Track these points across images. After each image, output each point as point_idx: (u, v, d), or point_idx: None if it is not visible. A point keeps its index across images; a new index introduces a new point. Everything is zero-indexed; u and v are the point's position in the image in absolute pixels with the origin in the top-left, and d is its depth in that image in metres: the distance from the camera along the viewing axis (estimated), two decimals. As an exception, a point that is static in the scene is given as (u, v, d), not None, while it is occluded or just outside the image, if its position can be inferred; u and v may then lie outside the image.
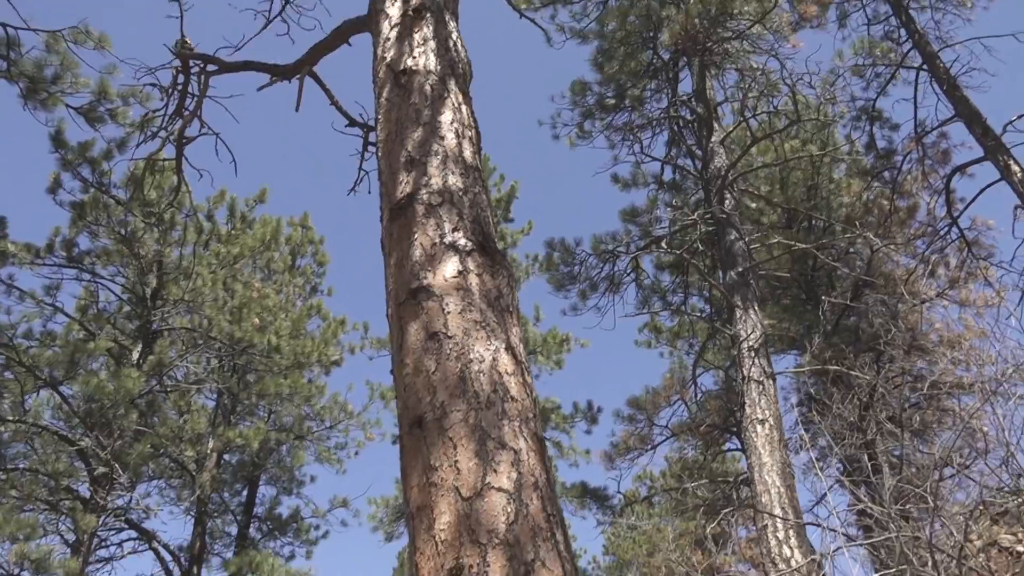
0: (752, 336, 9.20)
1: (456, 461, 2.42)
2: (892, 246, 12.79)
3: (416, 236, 3.06)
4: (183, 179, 6.31)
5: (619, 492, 14.64)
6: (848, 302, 11.65)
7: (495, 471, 2.39)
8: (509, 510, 2.31)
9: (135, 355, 13.60)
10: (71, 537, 11.70)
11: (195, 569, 15.62)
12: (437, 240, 3.02)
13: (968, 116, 10.30)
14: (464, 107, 3.70)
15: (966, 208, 11.51)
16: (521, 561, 2.22)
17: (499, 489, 2.35)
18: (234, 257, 15.59)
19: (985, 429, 6.75)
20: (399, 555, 39.02)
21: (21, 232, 22.61)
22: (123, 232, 13.59)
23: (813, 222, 14.16)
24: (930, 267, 12.45)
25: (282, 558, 16.82)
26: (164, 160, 6.82)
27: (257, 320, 15.16)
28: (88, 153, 12.57)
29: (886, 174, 13.50)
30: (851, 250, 14.11)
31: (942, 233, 12.01)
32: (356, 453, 19.25)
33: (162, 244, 14.20)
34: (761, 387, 8.59)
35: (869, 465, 5.98)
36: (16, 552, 9.33)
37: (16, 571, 9.55)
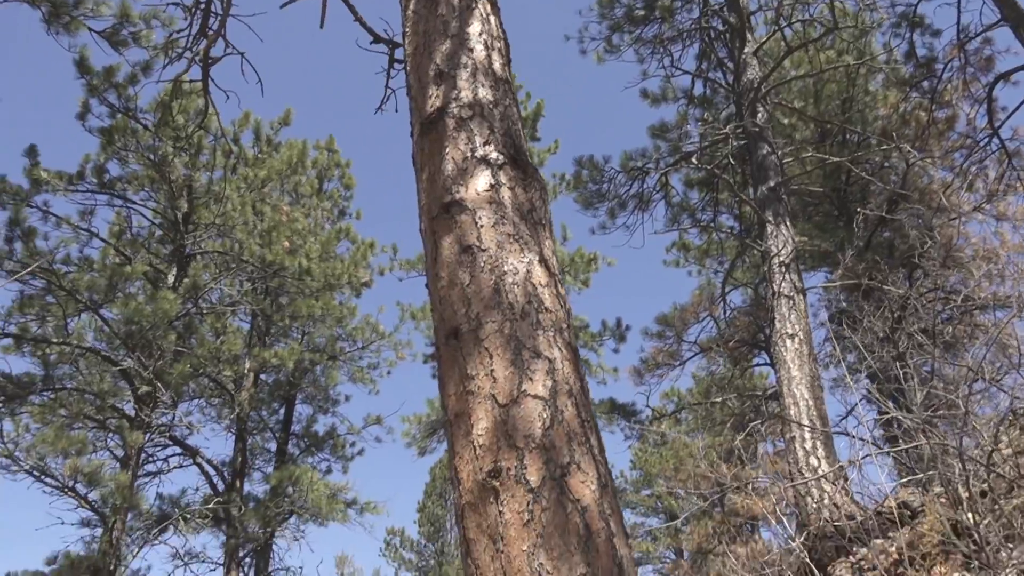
0: (783, 251, 9.13)
1: (492, 370, 2.48)
2: (929, 159, 12.46)
3: (447, 150, 3.06)
4: (210, 100, 6.29)
5: (647, 407, 14.87)
6: (883, 214, 11.44)
7: (530, 379, 2.45)
8: (544, 416, 2.37)
9: (170, 278, 13.87)
10: (119, 453, 12.23)
11: (237, 483, 16.28)
12: (468, 154, 3.01)
13: (1015, 20, 9.83)
14: (492, 18, 3.62)
15: (1008, 117, 11.11)
16: (557, 464, 2.30)
17: (535, 396, 2.41)
18: (262, 181, 15.65)
19: (1016, 343, 6.71)
20: (431, 470, 40.18)
21: (54, 160, 22.81)
22: (152, 157, 13.66)
23: (847, 136, 13.81)
24: (968, 180, 12.13)
25: (320, 472, 17.41)
26: (190, 81, 6.79)
27: (287, 243, 15.31)
28: (113, 78, 12.55)
29: (925, 84, 13.03)
30: (886, 164, 13.79)
31: (982, 144, 11.64)
32: (388, 373, 19.70)
33: (191, 168, 14.27)
34: (791, 302, 8.56)
35: (901, 373, 5.99)
36: (69, 466, 9.80)
37: (71, 483, 10.07)
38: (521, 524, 2.22)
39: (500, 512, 2.26)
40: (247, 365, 16.01)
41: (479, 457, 2.37)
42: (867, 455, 5.28)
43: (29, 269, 10.55)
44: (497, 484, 2.29)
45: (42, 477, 10.96)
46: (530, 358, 2.49)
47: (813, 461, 6.66)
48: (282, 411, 19.11)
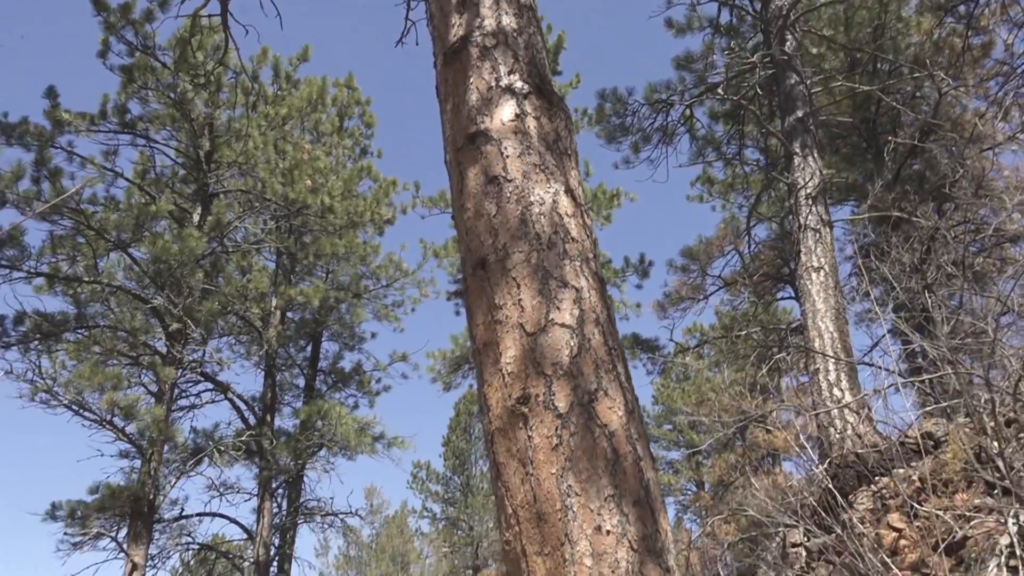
0: (810, 184, 8.99)
1: (520, 299, 2.50)
2: (963, 87, 12.09)
3: (471, 80, 3.02)
4: (229, 35, 6.23)
5: (671, 340, 14.90)
6: (915, 142, 11.15)
7: (558, 308, 2.47)
8: (572, 344, 2.40)
9: (195, 217, 13.99)
10: (153, 388, 12.56)
11: (268, 417, 16.70)
12: (493, 83, 2.98)
13: (1059, -63, 9.41)
14: (514, -58, 3.53)
15: (1048, 42, 10.73)
16: (585, 390, 2.34)
17: (562, 325, 2.44)
18: (282, 118, 15.59)
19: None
20: (455, 405, 40.83)
21: (74, 101, 22.80)
22: (172, 95, 13.63)
23: (878, 64, 13.40)
24: (1003, 109, 11.77)
25: (347, 407, 17.76)
26: (208, 16, 6.71)
27: (309, 181, 15.32)
28: (130, 15, 12.44)
29: (961, 8, 12.54)
30: (918, 93, 13.40)
31: (1019, 71, 11.28)
32: (412, 310, 19.90)
33: (211, 106, 14.23)
34: (818, 235, 8.47)
35: (929, 301, 5.93)
36: (106, 400, 10.10)
37: (108, 417, 10.38)
38: (550, 448, 2.27)
39: (529, 437, 2.31)
40: (274, 303, 16.23)
41: (508, 385, 2.41)
42: (891, 385, 5.29)
43: (52, 203, 10.67)
44: (526, 410, 2.34)
45: (81, 411, 11.32)
46: (557, 288, 2.51)
47: (837, 393, 6.68)
48: (309, 348, 19.45)
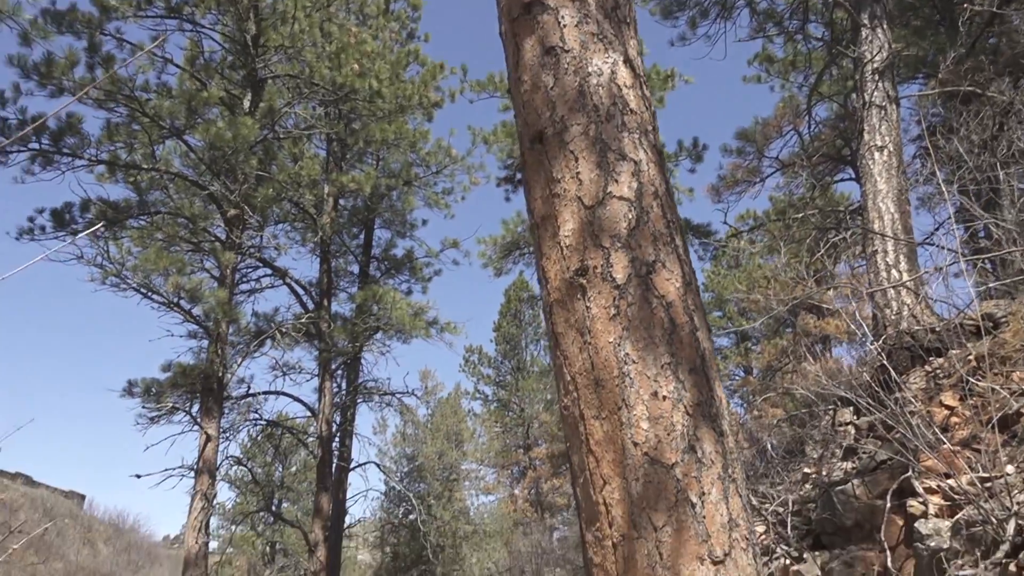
0: (877, 58, 8.53)
1: (578, 172, 2.50)
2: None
3: (526, -55, 2.91)
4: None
5: (724, 223, 14.68)
6: (993, 9, 10.40)
7: (616, 181, 2.46)
8: (630, 216, 2.41)
9: (246, 104, 14.01)
10: (215, 273, 12.99)
11: (325, 301, 17.21)
12: (548, -52, 2.86)
13: None
14: None
15: None
16: (642, 262, 2.36)
17: (620, 197, 2.43)
18: (327, 0, 15.24)
19: None
20: (506, 291, 41.34)
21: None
22: (216, -24, 13.39)
23: (958, -75, 12.37)
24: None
25: (401, 293, 18.17)
26: None
27: (356, 65, 15.11)
28: None
29: None
30: (1000, -43, 12.39)
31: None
32: (463, 198, 19.92)
33: (255, -12, 13.97)
34: (883, 112, 8.11)
35: (999, 177, 5.69)
36: (172, 283, 10.50)
37: (175, 300, 10.82)
38: (607, 318, 2.32)
39: (587, 308, 2.36)
40: (326, 190, 16.40)
41: (566, 257, 2.44)
42: (952, 263, 5.18)
43: (99, 82, 10.77)
44: (584, 282, 2.38)
45: (149, 294, 11.82)
46: (615, 160, 2.49)
47: (895, 275, 6.55)
48: (362, 236, 19.76)
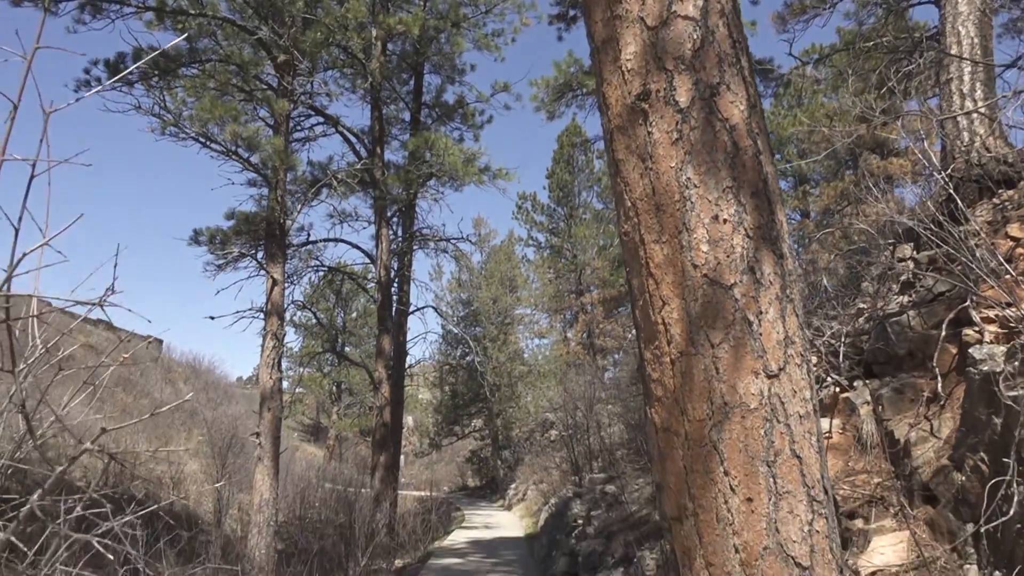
0: None
1: (640, -9, 2.41)
2: None
3: None
4: None
5: (790, 55, 13.89)
6: None
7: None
8: (695, 36, 2.34)
9: (288, -58, 13.48)
10: (270, 121, 13.04)
11: (378, 149, 17.24)
12: None
13: None
14: None
15: None
16: (707, 85, 2.32)
17: (685, 17, 2.36)
18: None
19: None
20: (558, 137, 40.69)
21: None
22: None
23: None
24: None
25: (453, 140, 18.06)
26: None
27: None
28: None
29: None
30: None
31: None
32: (513, 40, 19.25)
33: None
34: (969, -73, 7.39)
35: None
36: (230, 131, 10.61)
37: (233, 148, 10.98)
38: (669, 143, 2.32)
39: (649, 133, 2.35)
40: (374, 33, 16.00)
41: (627, 81, 2.41)
42: (1032, 88, 4.89)
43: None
44: (646, 106, 2.36)
45: (208, 143, 12.00)
46: (680, -23, 2.40)
47: (968, 105, 6.22)
48: (412, 82, 19.44)
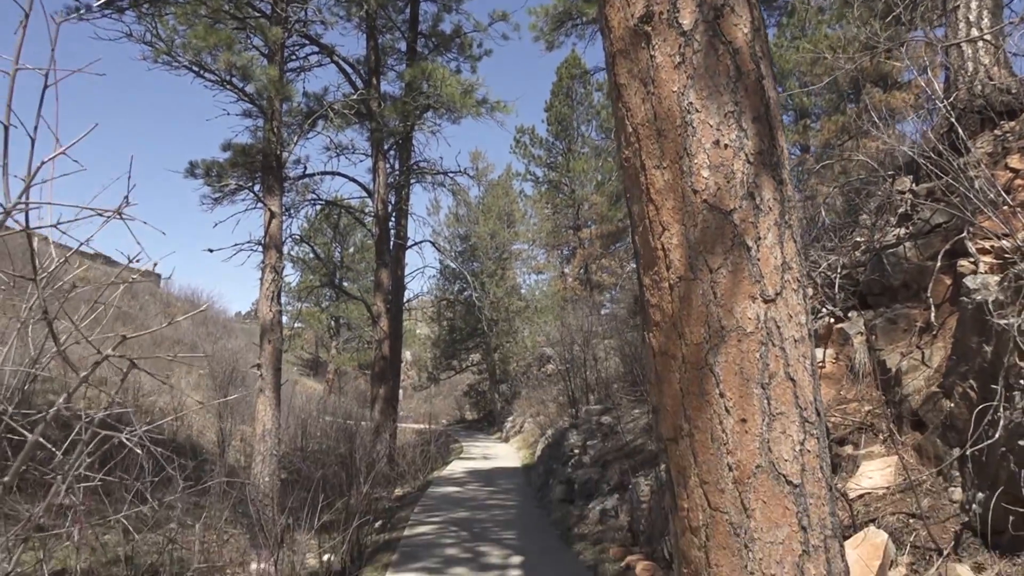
0: None
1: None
2: None
3: None
4: None
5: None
6: None
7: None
8: (700, -43, 2.30)
9: None
10: (264, 50, 12.75)
11: (374, 80, 16.96)
12: None
13: None
14: None
15: None
16: (711, 6, 2.29)
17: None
18: None
19: None
20: (558, 69, 39.97)
21: None
22: None
23: None
24: None
25: (450, 71, 17.75)
26: None
27: None
28: None
29: None
30: None
31: None
32: (511, -36, 18.74)
33: None
34: None
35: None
36: (223, 60, 10.40)
37: (228, 77, 10.78)
38: (672, 67, 2.30)
39: (651, 56, 2.34)
40: (368, -44, 15.57)
41: (630, 3, 2.38)
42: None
43: None
44: (649, 29, 2.34)
45: (201, 72, 11.76)
46: None
47: (975, 32, 6.10)
48: (408, 9, 18.98)
